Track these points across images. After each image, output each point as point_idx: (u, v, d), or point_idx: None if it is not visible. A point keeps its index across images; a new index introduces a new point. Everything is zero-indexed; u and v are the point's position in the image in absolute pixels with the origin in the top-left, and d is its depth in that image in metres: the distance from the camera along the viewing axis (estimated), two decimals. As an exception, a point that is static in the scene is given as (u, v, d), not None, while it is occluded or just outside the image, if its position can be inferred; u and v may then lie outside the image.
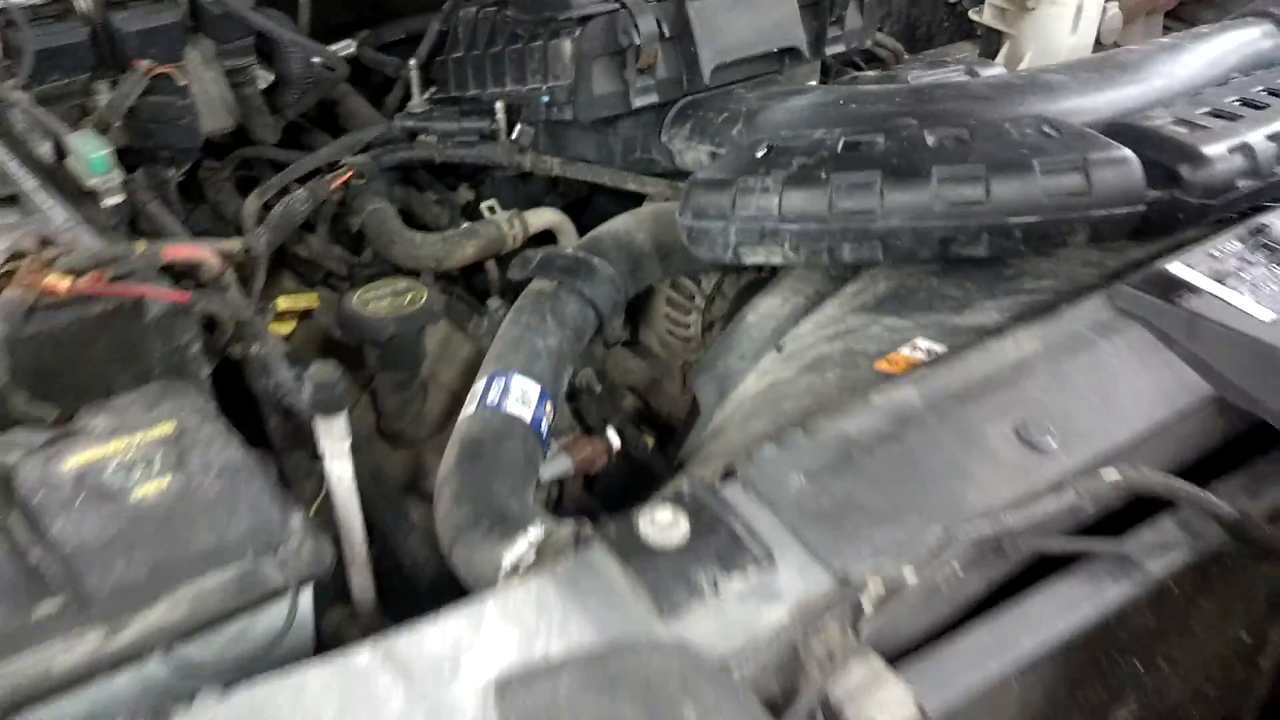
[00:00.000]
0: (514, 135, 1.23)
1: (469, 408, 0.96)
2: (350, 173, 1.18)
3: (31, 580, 0.74)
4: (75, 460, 0.80)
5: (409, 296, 1.06)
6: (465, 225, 1.19)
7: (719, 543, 0.68)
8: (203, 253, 0.89)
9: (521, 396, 0.95)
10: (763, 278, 1.22)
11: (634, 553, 0.68)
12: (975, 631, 0.73)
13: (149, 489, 0.78)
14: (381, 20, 1.46)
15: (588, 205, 1.27)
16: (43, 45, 1.08)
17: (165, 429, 0.81)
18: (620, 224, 1.14)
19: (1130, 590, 0.77)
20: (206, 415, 0.83)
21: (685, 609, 0.66)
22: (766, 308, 1.11)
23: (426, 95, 1.32)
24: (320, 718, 0.61)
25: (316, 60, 1.31)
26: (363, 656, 0.65)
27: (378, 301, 1.06)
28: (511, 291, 1.17)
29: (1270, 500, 0.84)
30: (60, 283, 0.82)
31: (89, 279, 0.83)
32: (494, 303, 1.18)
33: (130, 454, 0.79)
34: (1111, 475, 0.75)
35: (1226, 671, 0.97)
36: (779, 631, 0.65)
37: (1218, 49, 1.33)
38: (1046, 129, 1.04)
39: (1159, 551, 0.78)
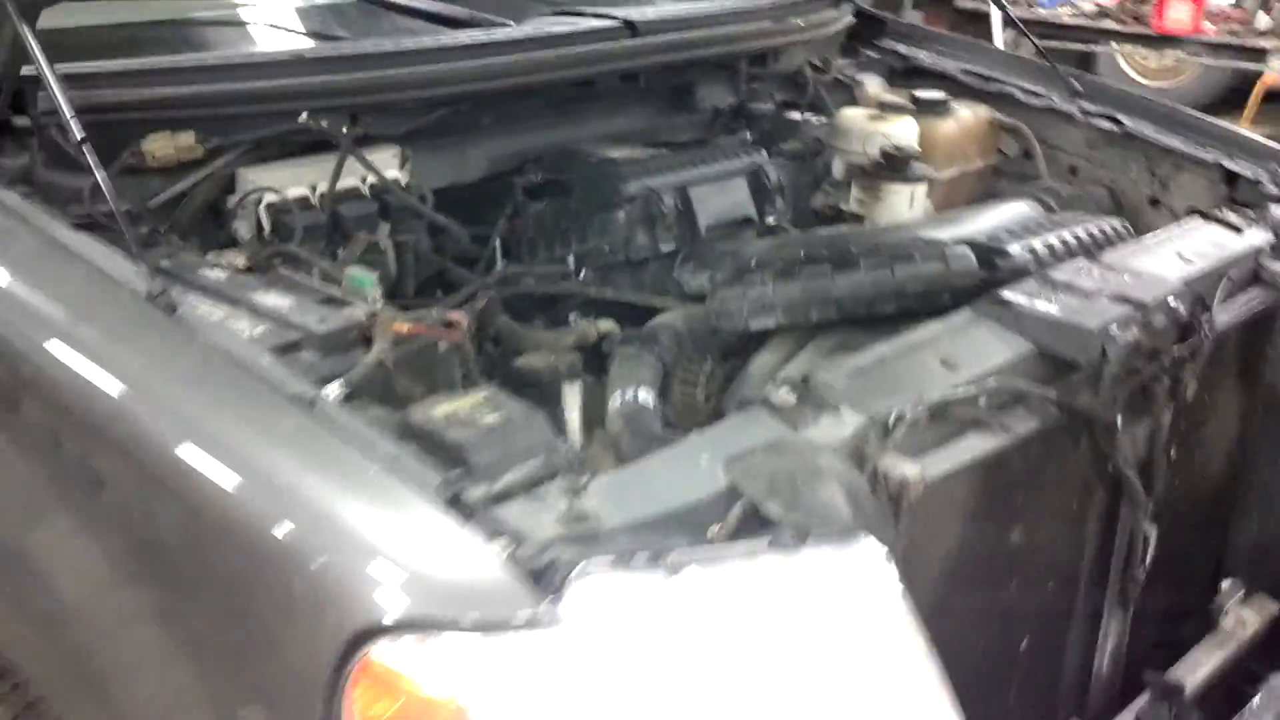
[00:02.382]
0: (581, 276, 1.91)
1: (614, 404, 1.58)
2: (487, 300, 1.81)
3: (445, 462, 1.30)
4: (440, 410, 1.38)
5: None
6: (565, 328, 1.84)
7: (811, 404, 1.33)
8: (461, 316, 1.51)
9: (647, 398, 1.59)
10: (738, 365, 1.89)
11: (770, 408, 1.32)
12: (939, 452, 1.38)
13: (490, 419, 1.37)
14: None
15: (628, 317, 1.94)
16: (303, 224, 1.71)
17: (481, 396, 1.41)
18: (665, 318, 1.80)
19: (1007, 440, 1.44)
20: (497, 391, 1.43)
21: (803, 428, 1.30)
22: (762, 361, 1.77)
23: (505, 265, 1.99)
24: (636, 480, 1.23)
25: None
26: (652, 459, 1.27)
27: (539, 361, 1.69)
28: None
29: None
30: (403, 327, 1.43)
31: (418, 326, 1.44)
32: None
33: (470, 406, 1.38)
34: (992, 379, 1.44)
35: (1067, 529, 1.63)
36: (850, 438, 1.30)
37: (1002, 213, 2.12)
38: (920, 242, 1.77)
39: (1020, 421, 1.46)
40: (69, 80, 1.53)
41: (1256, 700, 1.59)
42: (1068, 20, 5.52)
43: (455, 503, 1.10)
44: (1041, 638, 1.61)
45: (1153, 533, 1.64)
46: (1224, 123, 2.43)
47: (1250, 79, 5.14)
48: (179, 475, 1.13)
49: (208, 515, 1.11)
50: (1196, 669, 1.73)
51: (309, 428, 1.14)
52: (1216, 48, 5.21)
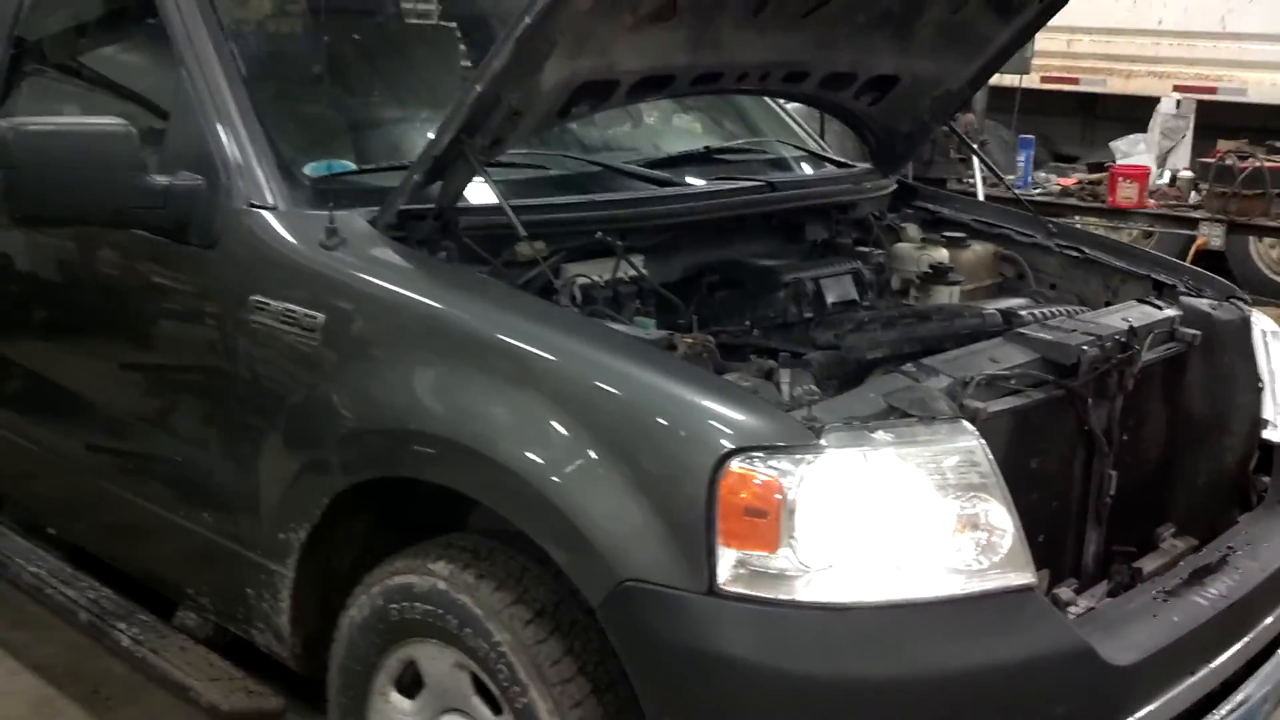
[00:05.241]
0: (754, 333, 3.00)
1: (796, 391, 2.65)
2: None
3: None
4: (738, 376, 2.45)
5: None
6: (748, 361, 2.91)
7: (923, 372, 2.41)
8: (710, 339, 2.61)
9: (815, 388, 2.67)
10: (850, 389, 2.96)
11: (903, 373, 2.40)
12: (992, 402, 2.45)
13: (746, 384, 2.43)
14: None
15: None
16: (602, 297, 2.81)
17: (738, 374, 2.47)
18: (811, 355, 2.87)
19: (1029, 401, 2.50)
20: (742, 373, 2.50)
21: (922, 382, 2.38)
22: (871, 381, 2.85)
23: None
24: (836, 404, 2.30)
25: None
26: (842, 396, 2.34)
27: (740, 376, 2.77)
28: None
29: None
30: (689, 339, 2.51)
31: (697, 340, 2.53)
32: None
33: (735, 378, 2.44)
34: (1019, 369, 2.54)
35: (1064, 468, 2.67)
36: (946, 387, 2.36)
37: (1011, 301, 3.25)
38: (967, 308, 2.89)
39: (1035, 393, 2.53)
40: (478, 210, 2.68)
41: (1179, 567, 2.64)
42: (1037, 197, 6.78)
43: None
44: (1049, 536, 2.62)
45: (1114, 475, 2.70)
46: (1151, 250, 3.58)
47: (1187, 243, 6.38)
48: (630, 393, 2.22)
49: (644, 402, 2.19)
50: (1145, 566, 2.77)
51: (688, 365, 2.25)
52: (1157, 218, 6.46)
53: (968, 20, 3.28)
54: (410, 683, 2.61)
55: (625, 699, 2.25)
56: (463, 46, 3.89)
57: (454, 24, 3.86)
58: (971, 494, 2.18)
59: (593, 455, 2.21)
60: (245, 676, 3.06)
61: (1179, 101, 7.37)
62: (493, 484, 2.32)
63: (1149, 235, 7.16)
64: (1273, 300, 6.52)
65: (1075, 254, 3.53)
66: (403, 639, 2.54)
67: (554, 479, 2.23)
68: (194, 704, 3.05)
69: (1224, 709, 2.58)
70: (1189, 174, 6.62)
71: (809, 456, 2.10)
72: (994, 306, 3.05)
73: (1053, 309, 3.00)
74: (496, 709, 2.42)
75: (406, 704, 2.61)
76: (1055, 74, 9.68)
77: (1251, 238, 7.46)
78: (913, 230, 3.72)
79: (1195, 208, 6.32)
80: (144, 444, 3.16)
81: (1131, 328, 2.72)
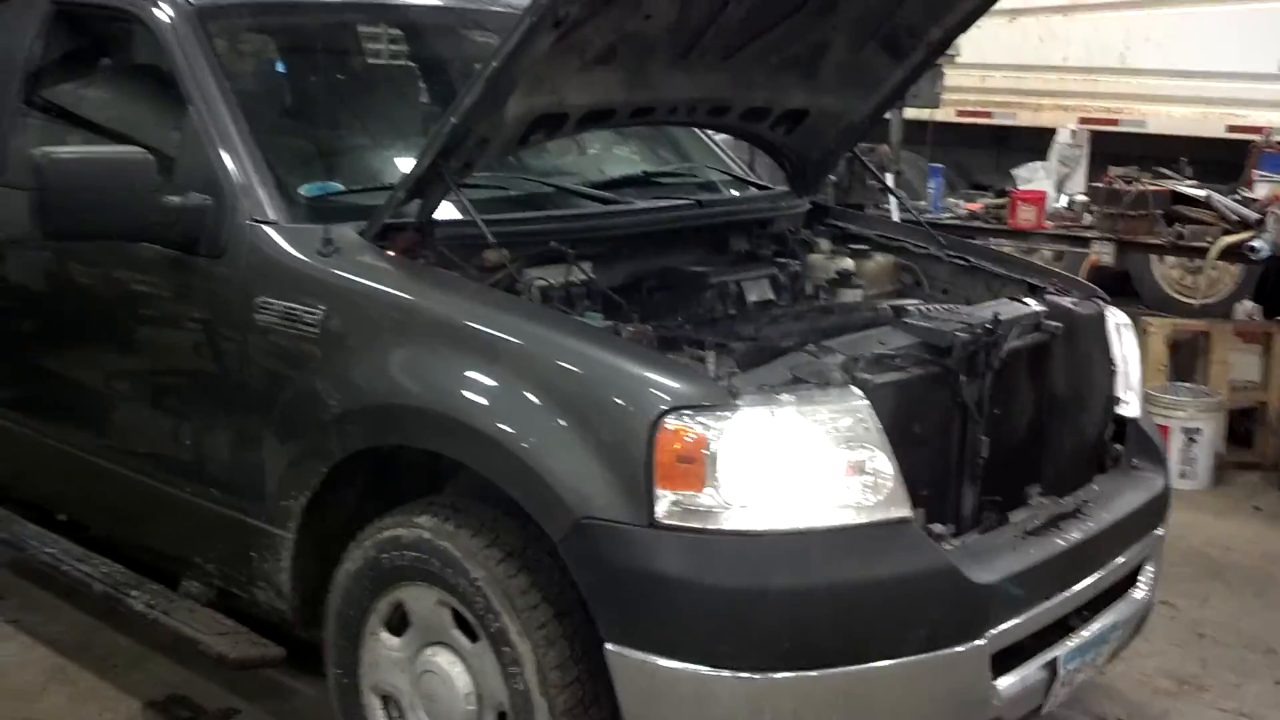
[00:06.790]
0: (685, 327, 3.51)
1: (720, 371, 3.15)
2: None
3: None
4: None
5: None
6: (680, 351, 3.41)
7: (823, 352, 2.92)
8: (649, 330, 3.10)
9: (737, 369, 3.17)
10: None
11: (807, 353, 2.92)
12: (879, 375, 2.96)
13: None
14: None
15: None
16: (557, 297, 3.30)
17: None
18: (733, 344, 3.40)
19: (910, 376, 3.00)
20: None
21: (821, 358, 2.88)
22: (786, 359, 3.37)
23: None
24: (754, 376, 2.80)
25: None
26: (758, 369, 2.85)
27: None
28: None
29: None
30: (634, 329, 3.00)
31: (638, 331, 3.02)
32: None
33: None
34: (903, 349, 3.06)
35: (942, 434, 3.16)
36: (841, 362, 2.86)
37: (906, 300, 3.78)
38: (863, 304, 3.41)
39: (916, 369, 3.05)
40: (450, 224, 3.16)
41: (1038, 513, 3.17)
42: (947, 220, 7.36)
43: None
44: (931, 491, 3.12)
45: (985, 440, 3.21)
46: (1028, 259, 4.13)
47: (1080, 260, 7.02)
48: (584, 367, 2.70)
49: (595, 375, 2.68)
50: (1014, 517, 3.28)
51: (630, 344, 2.74)
52: (1054, 237, 7.07)
53: (865, 61, 3.81)
54: (398, 624, 3.05)
55: (580, 622, 2.73)
56: (425, 86, 4.39)
57: (417, 66, 4.35)
58: (859, 445, 2.68)
59: (555, 419, 2.69)
60: (249, 631, 3.47)
61: (1074, 131, 8.02)
62: (472, 448, 2.80)
63: (1060, 256, 7.77)
64: (1173, 317, 7.12)
65: (962, 263, 4.04)
66: (392, 584, 2.99)
67: (524, 443, 2.70)
68: (204, 656, 3.46)
69: (1082, 632, 3.11)
70: (1083, 198, 7.23)
71: (728, 414, 2.59)
72: (887, 304, 3.57)
73: (938, 306, 3.52)
74: (472, 638, 2.88)
75: (395, 641, 3.06)
76: (970, 108, 10.32)
77: (1153, 258, 8.08)
78: (824, 243, 4.23)
79: (1088, 228, 6.91)
80: (158, 432, 3.60)
81: (998, 318, 3.23)
